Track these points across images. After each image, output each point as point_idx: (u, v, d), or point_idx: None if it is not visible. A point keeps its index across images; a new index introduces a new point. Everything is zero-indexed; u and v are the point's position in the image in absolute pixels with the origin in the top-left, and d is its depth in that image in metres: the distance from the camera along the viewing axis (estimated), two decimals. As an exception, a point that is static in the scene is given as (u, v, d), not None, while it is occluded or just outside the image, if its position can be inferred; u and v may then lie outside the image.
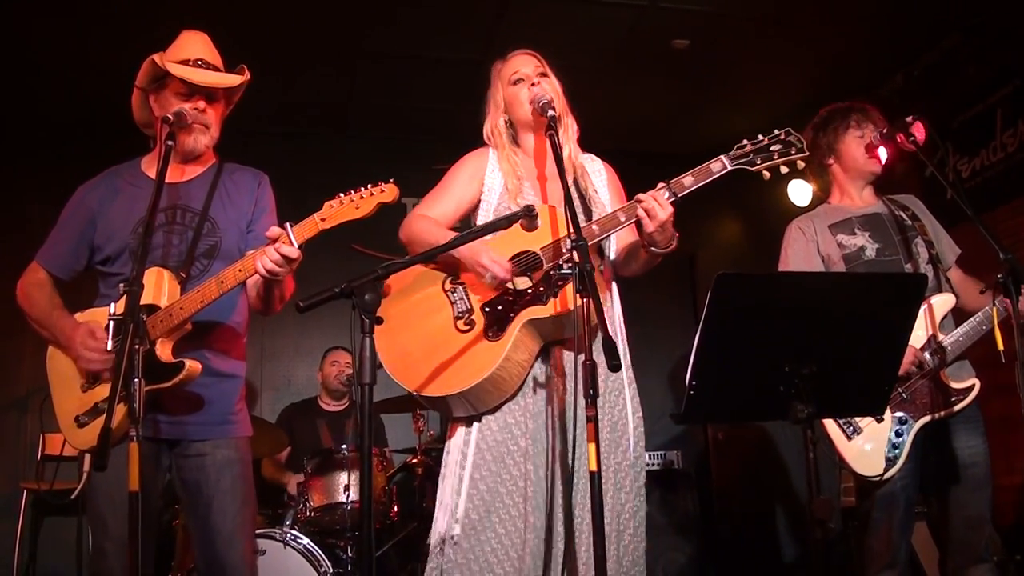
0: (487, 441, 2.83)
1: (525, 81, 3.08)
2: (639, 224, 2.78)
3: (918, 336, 3.30)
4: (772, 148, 2.86)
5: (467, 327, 2.84)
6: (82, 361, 2.83)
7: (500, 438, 2.82)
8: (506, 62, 3.19)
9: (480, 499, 2.78)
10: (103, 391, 2.80)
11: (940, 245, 3.53)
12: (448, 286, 2.93)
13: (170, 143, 2.78)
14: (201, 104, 2.96)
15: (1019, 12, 5.42)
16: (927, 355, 3.30)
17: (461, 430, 2.91)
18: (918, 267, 3.41)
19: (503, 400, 2.83)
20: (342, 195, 2.67)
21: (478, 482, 2.79)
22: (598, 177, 3.17)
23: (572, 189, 2.98)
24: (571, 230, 2.52)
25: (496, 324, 2.80)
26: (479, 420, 2.86)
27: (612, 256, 3.10)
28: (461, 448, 2.88)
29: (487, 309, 2.83)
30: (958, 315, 3.40)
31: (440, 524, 2.84)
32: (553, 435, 2.79)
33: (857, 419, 3.30)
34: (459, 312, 2.87)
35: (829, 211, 3.64)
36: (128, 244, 2.91)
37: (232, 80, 3.01)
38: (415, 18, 5.59)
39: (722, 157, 2.84)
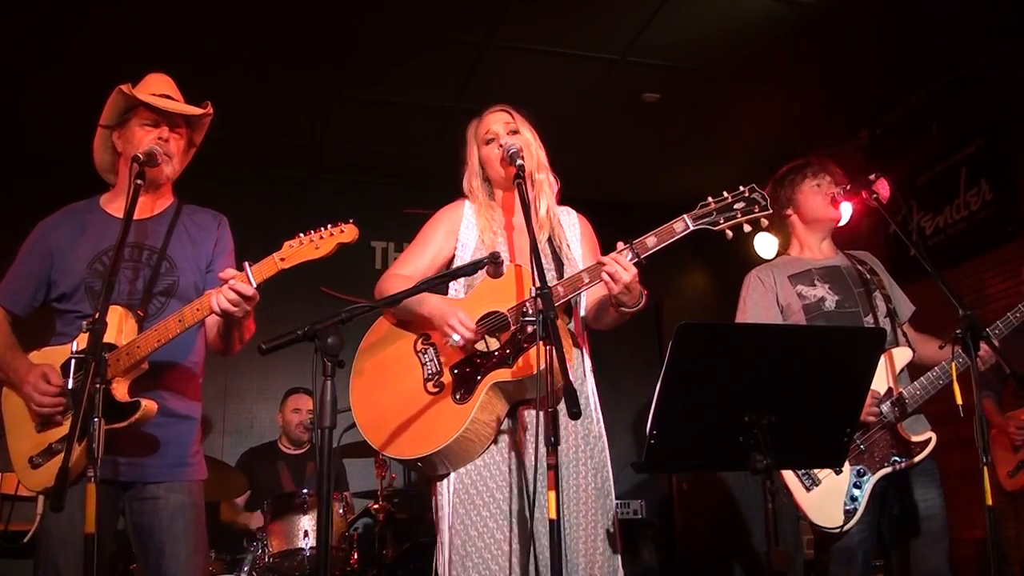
0: (459, 496, 2.81)
1: (496, 140, 3.09)
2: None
3: (877, 389, 3.33)
4: (736, 206, 2.82)
5: (436, 389, 2.83)
6: (33, 403, 2.78)
7: (475, 491, 2.80)
8: (480, 121, 3.19)
9: (457, 554, 2.75)
10: (57, 432, 2.78)
11: (896, 301, 3.57)
12: (419, 347, 2.93)
13: (139, 182, 2.77)
14: (166, 133, 2.99)
15: (982, 74, 5.57)
16: (885, 407, 3.33)
17: (441, 486, 2.88)
18: (877, 320, 3.44)
19: (474, 458, 2.82)
20: (302, 235, 2.68)
21: (454, 538, 2.77)
22: (571, 231, 3.15)
23: (546, 244, 3.02)
24: (535, 279, 2.49)
25: (464, 386, 2.79)
26: (454, 475, 2.85)
27: (583, 312, 3.08)
28: (444, 507, 2.85)
29: (455, 371, 2.83)
30: (913, 370, 3.43)
31: None
32: (523, 490, 2.77)
33: (816, 471, 3.31)
34: (429, 374, 2.87)
35: (789, 262, 3.68)
36: (84, 281, 2.89)
37: (195, 109, 3.06)
38: (389, 64, 5.65)
39: (685, 217, 2.79)
